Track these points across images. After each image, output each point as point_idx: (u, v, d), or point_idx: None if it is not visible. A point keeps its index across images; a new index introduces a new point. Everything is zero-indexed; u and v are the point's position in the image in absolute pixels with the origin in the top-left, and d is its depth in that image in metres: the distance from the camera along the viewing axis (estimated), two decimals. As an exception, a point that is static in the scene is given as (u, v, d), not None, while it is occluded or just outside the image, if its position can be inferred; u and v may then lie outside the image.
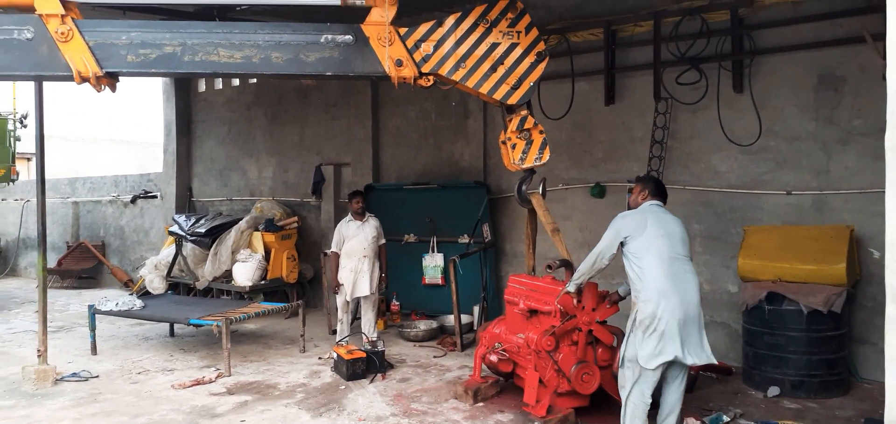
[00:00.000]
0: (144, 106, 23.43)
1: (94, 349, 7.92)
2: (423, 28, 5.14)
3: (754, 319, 6.30)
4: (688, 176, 7.43)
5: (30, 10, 4.73)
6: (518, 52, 5.26)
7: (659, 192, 4.99)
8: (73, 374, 6.94)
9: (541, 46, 5.30)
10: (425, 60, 5.12)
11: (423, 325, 8.60)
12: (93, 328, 7.99)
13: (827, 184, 6.66)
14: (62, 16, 4.73)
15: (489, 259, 8.72)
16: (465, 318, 8.25)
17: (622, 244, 4.72)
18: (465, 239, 8.92)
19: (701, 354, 4.58)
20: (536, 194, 5.64)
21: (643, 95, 7.60)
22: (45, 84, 6.55)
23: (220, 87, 12.16)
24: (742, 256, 6.53)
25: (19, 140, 12.85)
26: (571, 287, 5.11)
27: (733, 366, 6.83)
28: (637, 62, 7.67)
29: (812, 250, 6.20)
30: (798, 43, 6.74)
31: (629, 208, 5.01)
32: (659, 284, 4.51)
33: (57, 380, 6.72)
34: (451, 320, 8.27)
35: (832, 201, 6.61)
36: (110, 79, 4.94)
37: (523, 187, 5.68)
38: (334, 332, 8.43)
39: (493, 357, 5.79)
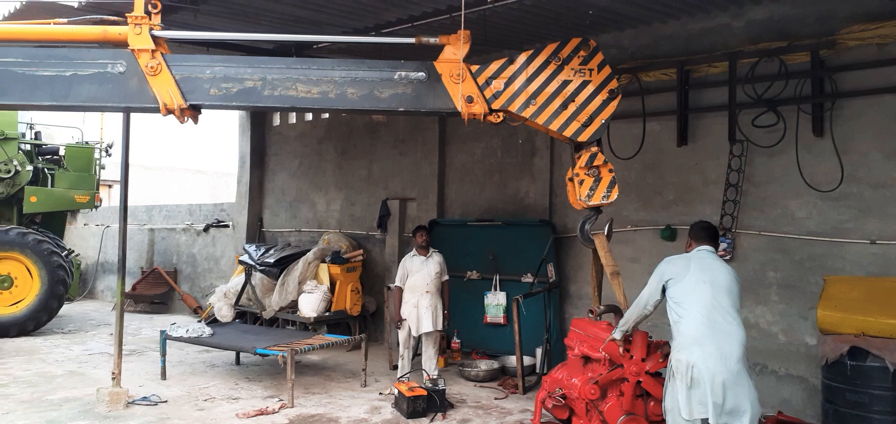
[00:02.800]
0: (219, 138, 24.38)
1: (163, 374, 8.14)
2: (495, 65, 5.17)
3: (835, 374, 5.97)
4: (764, 221, 7.17)
5: (123, 45, 4.97)
6: (590, 89, 5.21)
7: (708, 236, 4.82)
8: (144, 398, 7.13)
9: (613, 84, 5.24)
10: (496, 96, 5.14)
11: (484, 365, 8.51)
12: (163, 354, 8.23)
13: (916, 234, 6.32)
14: (152, 51, 4.95)
15: (553, 300, 8.59)
16: (527, 360, 8.12)
17: (664, 290, 4.58)
18: (528, 278, 8.82)
19: (749, 411, 4.30)
20: (600, 234, 5.48)
21: (717, 137, 7.41)
22: (132, 115, 6.87)
23: (294, 121, 12.52)
24: (822, 307, 6.22)
25: (104, 168, 13.49)
26: (617, 334, 4.95)
27: (811, 423, 6.49)
28: (711, 103, 7.50)
29: (900, 303, 5.86)
30: (883, 86, 6.46)
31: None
32: (695, 331, 4.35)
33: (128, 403, 6.92)
34: (512, 361, 8.16)
35: (921, 253, 6.26)
36: (193, 111, 5.12)
37: (587, 226, 5.54)
38: (395, 367, 8.42)
39: (550, 403, 5.66)
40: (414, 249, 8.01)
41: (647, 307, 4.70)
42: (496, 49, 6.75)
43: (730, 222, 7.29)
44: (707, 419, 4.29)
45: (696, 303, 4.41)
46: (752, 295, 7.21)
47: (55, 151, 13.04)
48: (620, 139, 7.97)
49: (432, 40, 5.10)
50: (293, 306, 10.11)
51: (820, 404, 6.27)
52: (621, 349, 5.05)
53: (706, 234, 4.84)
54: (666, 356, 5.00)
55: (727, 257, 7.30)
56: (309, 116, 12.20)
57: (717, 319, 4.38)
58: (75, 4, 6.57)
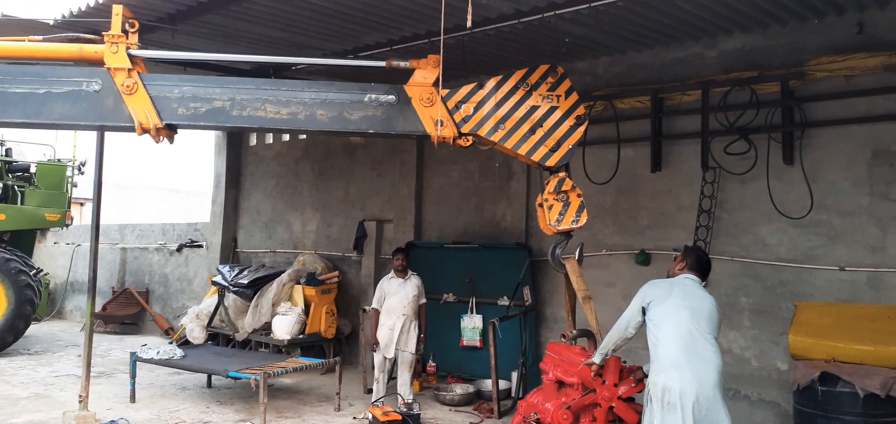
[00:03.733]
0: (194, 157, 24.15)
1: (133, 397, 8.00)
2: (464, 90, 5.21)
3: (806, 400, 6.03)
4: (736, 247, 7.28)
5: (99, 63, 4.93)
6: (557, 115, 5.26)
7: (700, 266, 4.84)
8: (112, 421, 6.97)
9: (580, 110, 5.30)
10: (465, 120, 5.17)
11: (459, 389, 8.48)
12: (133, 376, 8.08)
13: (883, 261, 6.44)
14: (129, 69, 4.91)
15: (529, 324, 8.60)
16: (502, 384, 8.11)
17: (645, 312, 4.61)
18: (504, 301, 8.83)
19: None
20: (571, 259, 5.46)
21: (690, 164, 7.53)
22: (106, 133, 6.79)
23: (271, 141, 12.47)
24: (793, 332, 6.30)
25: (76, 186, 13.29)
26: (597, 358, 4.94)
27: (783, 448, 6.56)
28: (684, 130, 7.63)
29: (868, 329, 5.95)
30: (851, 116, 6.63)
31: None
32: (672, 355, 4.37)
33: (96, 426, 6.78)
34: (488, 384, 8.13)
35: (889, 280, 6.39)
36: (169, 130, 5.08)
37: (557, 251, 5.53)
38: (370, 391, 8.35)
39: None
40: (391, 271, 7.99)
41: (629, 329, 4.71)
42: (474, 74, 6.81)
43: (703, 248, 7.38)
44: None
45: (674, 327, 4.43)
46: (726, 320, 7.23)
47: (26, 169, 12.82)
48: (595, 164, 8.06)
49: (402, 64, 5.14)
50: (267, 328, 9.99)
51: (791, 429, 6.34)
52: (593, 374, 5.04)
53: (699, 264, 4.84)
54: (639, 381, 5.01)
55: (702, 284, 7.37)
56: (286, 137, 12.16)
57: (695, 345, 4.39)
58: (50, 22, 6.52)
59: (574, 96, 5.28)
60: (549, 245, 5.55)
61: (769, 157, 6.99)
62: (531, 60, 5.40)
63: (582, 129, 5.29)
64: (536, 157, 5.25)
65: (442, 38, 5.09)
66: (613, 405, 5.01)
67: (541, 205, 5.35)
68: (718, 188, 7.34)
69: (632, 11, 6.46)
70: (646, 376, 4.94)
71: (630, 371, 5.09)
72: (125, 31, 5.02)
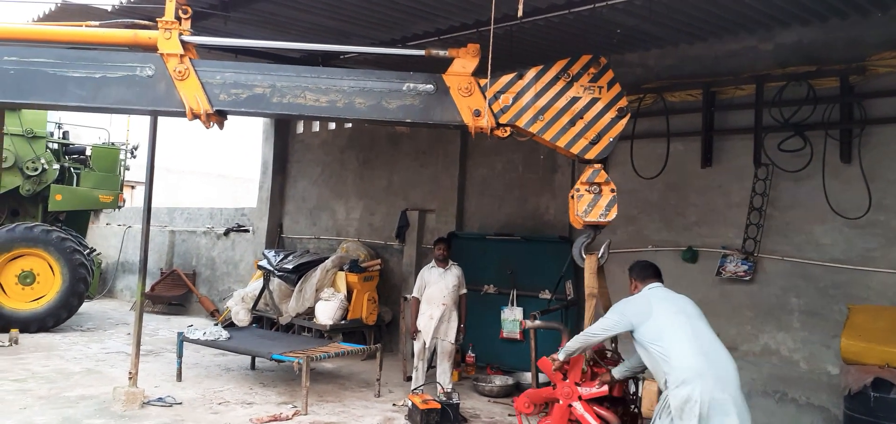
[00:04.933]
0: (242, 143, 24.54)
1: (179, 376, 8.19)
2: (504, 80, 5.14)
3: (858, 405, 5.85)
4: (787, 247, 7.08)
5: (152, 49, 5.03)
6: (599, 107, 5.12)
7: (655, 273, 4.76)
8: (159, 399, 7.17)
9: (623, 102, 5.16)
10: (503, 111, 5.10)
11: (498, 380, 8.46)
12: (180, 355, 8.27)
13: (944, 265, 6.20)
14: (181, 56, 5.00)
15: (570, 318, 8.52)
16: (542, 378, 8.03)
17: (633, 335, 4.46)
18: (546, 295, 8.77)
19: None
20: (593, 255, 5.23)
21: (742, 160, 7.34)
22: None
23: (317, 129, 12.61)
24: (845, 336, 6.11)
25: (129, 169, 13.67)
26: (561, 356, 4.80)
27: (833, 454, 6.39)
28: (737, 125, 7.44)
29: (926, 335, 5.75)
30: (915, 113, 6.39)
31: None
32: (689, 362, 4.15)
33: (144, 403, 6.96)
34: (527, 377, 8.06)
35: (950, 285, 6.14)
36: (219, 116, 5.15)
37: (585, 244, 5.29)
38: (409, 379, 8.40)
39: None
40: (433, 260, 8.00)
41: (602, 340, 4.64)
42: (522, 66, 6.75)
43: (752, 246, 7.21)
44: None
45: (678, 335, 4.27)
46: (774, 321, 7.12)
47: (82, 151, 13.25)
48: (644, 159, 7.93)
49: (442, 53, 5.10)
50: (310, 313, 10.13)
51: (841, 435, 6.16)
52: (554, 368, 4.91)
53: (653, 271, 4.78)
54: (604, 385, 4.79)
55: (746, 279, 7.22)
56: (332, 125, 12.28)
57: (707, 348, 4.25)
58: (108, 8, 6.68)
59: (617, 88, 5.15)
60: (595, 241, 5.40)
61: (825, 154, 6.77)
62: (581, 51, 5.29)
63: (624, 122, 5.15)
64: (576, 149, 5.14)
65: (492, 27, 5.04)
66: (571, 403, 4.84)
67: (572, 196, 5.24)
68: (770, 186, 7.15)
69: (686, 2, 6.31)
70: (614, 382, 4.79)
71: (594, 374, 4.89)
72: (178, 18, 5.09)
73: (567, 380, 4.90)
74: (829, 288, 6.80)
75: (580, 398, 4.83)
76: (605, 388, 4.77)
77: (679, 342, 4.26)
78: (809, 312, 6.92)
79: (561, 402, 4.90)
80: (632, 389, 5.14)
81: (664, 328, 4.33)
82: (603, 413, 4.76)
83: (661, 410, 4.29)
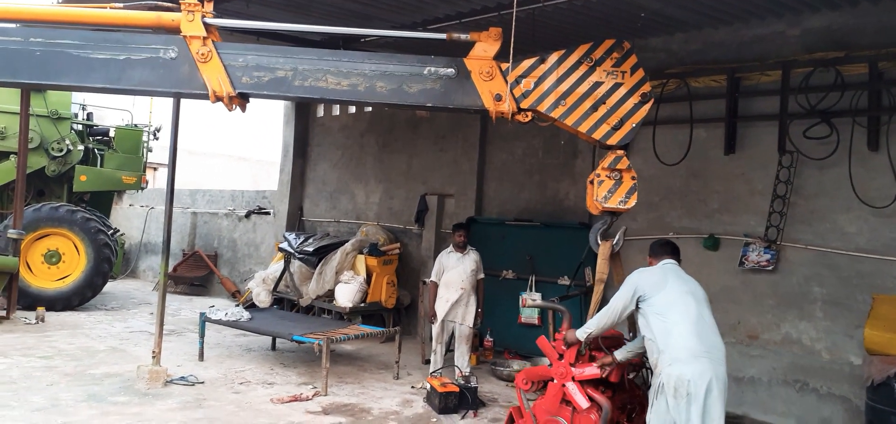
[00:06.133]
0: (262, 126, 24.66)
1: (201, 356, 8.30)
2: (526, 64, 5.10)
3: (881, 397, 5.78)
4: (811, 235, 6.99)
5: (176, 31, 5.06)
6: (621, 92, 5.07)
7: (673, 251, 4.81)
8: (182, 378, 7.27)
9: (646, 88, 5.10)
10: (525, 95, 5.06)
11: (516, 365, 8.46)
12: (202, 335, 8.37)
13: (972, 256, 6.09)
14: (204, 38, 5.02)
15: (588, 305, 8.47)
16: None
17: (639, 304, 4.48)
18: (564, 281, 8.75)
19: None
20: (608, 241, 5.20)
21: (766, 147, 7.24)
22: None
23: (337, 113, 12.64)
24: (869, 326, 6.04)
25: (151, 151, 13.81)
26: (582, 335, 4.73)
27: (854, 445, 6.33)
28: (761, 112, 7.34)
29: (951, 326, 5.66)
30: (945, 102, 6.26)
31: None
32: (688, 343, 4.25)
33: (167, 382, 7.06)
34: (544, 362, 8.09)
35: (978, 276, 6.04)
36: (241, 99, 5.18)
37: (601, 230, 5.25)
38: (427, 362, 8.44)
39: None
40: (451, 245, 8.01)
41: (618, 319, 4.63)
42: (544, 49, 6.70)
43: (775, 234, 7.13)
44: None
45: (685, 315, 4.34)
46: (796, 310, 7.04)
47: (105, 133, 13.39)
48: (666, 145, 7.85)
49: (463, 37, 5.06)
50: (330, 295, 10.20)
51: (863, 426, 6.10)
52: (552, 347, 4.93)
53: (671, 249, 4.83)
54: (606, 366, 4.76)
55: (769, 269, 7.15)
56: (352, 109, 12.30)
57: (706, 332, 4.33)
58: (131, -11, 6.71)
59: (640, 73, 5.08)
60: (614, 227, 5.35)
61: (852, 142, 6.66)
62: (604, 35, 5.22)
63: (647, 107, 5.10)
64: (598, 135, 5.10)
65: (514, 10, 5.00)
66: (566, 384, 4.81)
67: (591, 182, 5.20)
68: (795, 173, 7.05)
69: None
70: (614, 364, 4.76)
71: (595, 358, 4.85)
72: (201, 0, 5.13)
73: (563, 360, 4.90)
74: (852, 278, 6.71)
75: (573, 378, 4.82)
76: (598, 370, 4.74)
77: (683, 321, 4.34)
78: (832, 301, 6.84)
79: (555, 381, 4.91)
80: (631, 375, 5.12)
81: (673, 303, 4.40)
82: (595, 395, 4.74)
83: (657, 391, 4.36)
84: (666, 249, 4.86)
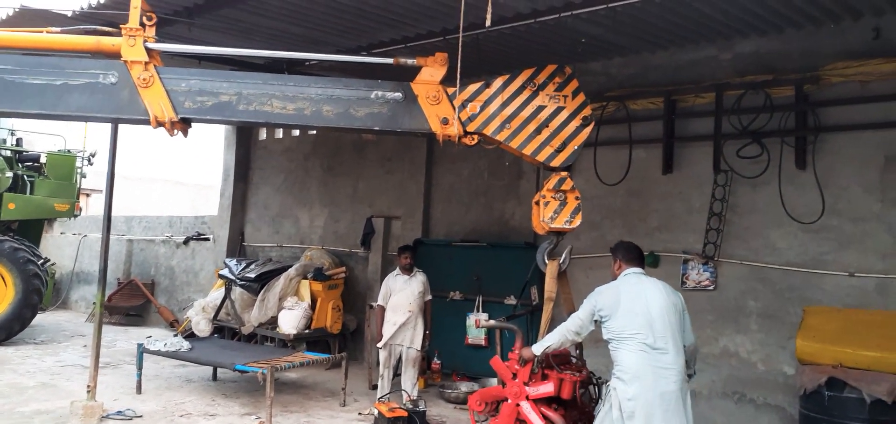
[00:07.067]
0: (200, 150, 24.13)
1: (139, 388, 8.03)
2: (472, 88, 5.20)
3: (813, 405, 6.04)
4: (745, 251, 7.28)
5: (116, 55, 4.94)
6: (564, 115, 5.22)
7: (637, 257, 4.82)
8: (119, 412, 7.02)
9: (587, 111, 5.27)
10: (471, 119, 5.15)
11: (464, 387, 8.47)
12: (140, 367, 8.11)
13: (892, 268, 6.44)
14: (145, 63, 4.92)
15: (536, 323, 8.58)
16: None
17: (599, 321, 4.59)
18: (511, 300, 8.84)
19: None
20: (555, 261, 5.35)
21: (702, 166, 7.52)
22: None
23: (281, 136, 12.50)
24: (801, 337, 6.31)
25: (85, 177, 13.33)
26: (538, 350, 4.79)
27: (790, 453, 6.57)
28: (697, 133, 7.63)
29: (876, 335, 5.96)
30: (865, 122, 6.63)
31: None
32: (632, 365, 4.36)
33: (103, 417, 6.80)
34: (493, 383, 8.14)
35: (898, 287, 6.39)
36: (183, 124, 5.09)
37: (548, 250, 5.38)
38: (375, 387, 8.36)
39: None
40: (397, 268, 8.00)
41: (578, 336, 4.69)
42: (488, 74, 6.83)
43: (712, 251, 7.39)
44: None
45: (630, 337, 4.41)
46: (733, 324, 7.30)
47: (36, 159, 12.87)
48: (606, 165, 8.06)
49: (410, 61, 5.13)
50: (273, 322, 10.01)
51: (798, 434, 6.34)
52: (520, 364, 4.96)
53: (635, 254, 4.83)
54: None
55: (711, 288, 7.39)
56: (296, 132, 12.17)
57: (652, 351, 4.36)
58: (68, 14, 6.53)
59: (581, 97, 5.25)
60: (559, 247, 5.47)
61: (782, 161, 6.99)
62: (546, 59, 5.38)
63: (588, 130, 5.26)
64: (541, 157, 5.22)
65: (460, 36, 5.08)
66: (520, 403, 4.88)
67: (537, 202, 5.32)
68: (730, 192, 7.34)
69: (648, 12, 6.45)
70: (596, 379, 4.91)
71: (547, 375, 4.92)
72: (143, 25, 5.02)
73: (517, 379, 4.93)
74: (784, 291, 7.01)
75: (527, 397, 4.87)
76: (552, 388, 4.81)
77: (629, 343, 4.39)
78: (766, 314, 7.11)
79: (509, 401, 4.94)
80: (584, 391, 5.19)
81: (623, 327, 4.44)
82: (549, 414, 4.80)
83: (605, 398, 4.51)
84: (628, 255, 4.83)
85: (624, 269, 4.77)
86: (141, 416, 7.02)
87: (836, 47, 6.74)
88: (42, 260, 11.64)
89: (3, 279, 10.80)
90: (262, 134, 12.79)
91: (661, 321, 4.43)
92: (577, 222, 5.17)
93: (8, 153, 12.34)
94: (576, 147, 5.22)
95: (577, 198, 5.19)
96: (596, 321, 4.59)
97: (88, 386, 6.86)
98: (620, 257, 4.84)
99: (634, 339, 4.39)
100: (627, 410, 4.30)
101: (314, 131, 11.77)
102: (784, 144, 6.99)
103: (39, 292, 11.10)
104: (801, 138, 6.94)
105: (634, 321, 4.42)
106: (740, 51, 7.38)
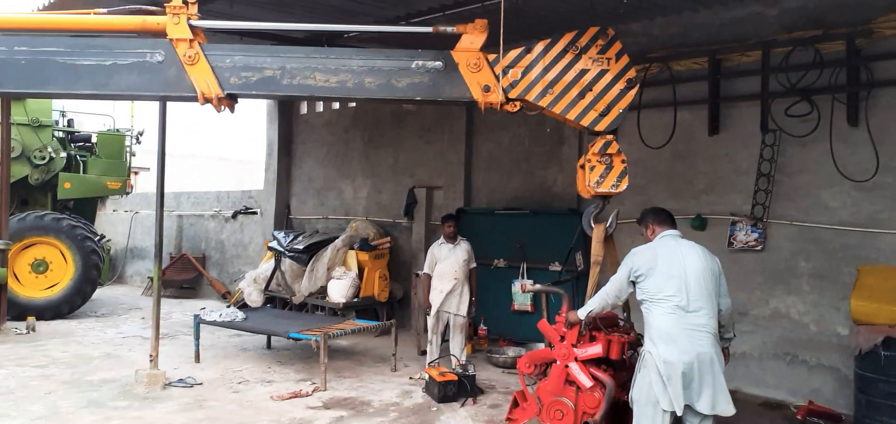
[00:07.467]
0: (243, 126, 24.49)
1: (197, 357, 8.30)
2: (512, 54, 5.15)
3: (868, 365, 5.95)
4: (795, 211, 7.13)
5: (162, 34, 5.04)
6: (608, 78, 5.14)
7: (670, 220, 4.79)
8: (180, 380, 7.29)
9: (631, 73, 5.18)
10: (513, 85, 5.12)
11: (512, 351, 8.56)
12: (197, 337, 8.38)
13: (952, 224, 6.25)
14: (190, 40, 5.02)
15: (581, 289, 8.58)
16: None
17: (634, 283, 4.57)
18: (556, 267, 8.84)
19: (722, 404, 4.35)
20: (601, 224, 5.30)
21: (749, 127, 7.36)
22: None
23: (321, 110, 12.63)
24: (855, 297, 6.19)
25: (134, 155, 13.71)
26: (582, 314, 4.81)
27: (843, 413, 6.49)
28: (743, 92, 7.45)
29: (935, 294, 5.82)
30: (921, 75, 6.40)
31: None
32: (667, 327, 4.35)
33: (165, 385, 7.07)
34: (541, 347, 8.19)
35: (958, 243, 6.20)
36: (230, 100, 5.19)
37: (594, 214, 5.35)
38: (423, 353, 8.51)
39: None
40: (442, 237, 8.07)
41: (618, 299, 4.69)
42: (527, 39, 6.76)
43: (761, 212, 7.26)
44: (683, 410, 4.32)
45: (665, 298, 4.39)
46: (783, 285, 7.18)
47: (87, 139, 13.29)
48: (651, 128, 7.95)
49: (449, 29, 5.10)
50: (322, 291, 10.23)
51: (852, 394, 6.26)
52: (567, 327, 4.96)
53: (665, 216, 4.80)
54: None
55: (758, 249, 7.27)
56: (336, 105, 12.29)
57: (687, 314, 4.35)
58: (115, -6, 6.67)
59: (625, 59, 5.16)
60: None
61: (833, 118, 6.79)
62: (587, 22, 5.30)
63: (633, 92, 5.18)
64: (585, 121, 5.17)
65: (502, 0, 5.04)
66: (569, 365, 4.90)
67: (582, 166, 5.28)
68: (778, 151, 7.18)
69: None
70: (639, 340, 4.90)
71: (595, 337, 4.91)
72: (186, 3, 5.09)
73: (565, 341, 4.98)
74: (837, 251, 6.86)
75: (576, 358, 4.90)
76: (600, 349, 4.82)
77: (664, 305, 4.39)
78: (819, 275, 6.98)
79: (558, 363, 4.98)
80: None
81: (658, 288, 4.44)
82: (598, 374, 4.83)
83: (640, 364, 4.51)
84: (659, 217, 4.82)
85: (658, 232, 4.75)
86: (201, 383, 7.28)
87: (890, -2, 6.49)
88: (98, 237, 12.07)
89: (63, 255, 11.26)
90: (303, 108, 12.94)
91: (697, 284, 4.41)
92: (624, 185, 5.14)
93: (61, 134, 12.77)
94: (621, 110, 5.15)
95: (623, 161, 5.14)
96: (632, 281, 4.58)
97: (151, 355, 7.14)
98: (651, 221, 4.84)
99: (669, 301, 4.38)
100: (665, 373, 4.31)
101: (354, 104, 11.87)
102: (835, 101, 6.78)
103: (98, 267, 11.54)
104: (852, 94, 6.72)
105: (670, 282, 4.41)
106: (787, 6, 7.15)
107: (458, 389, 6.78)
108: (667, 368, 4.30)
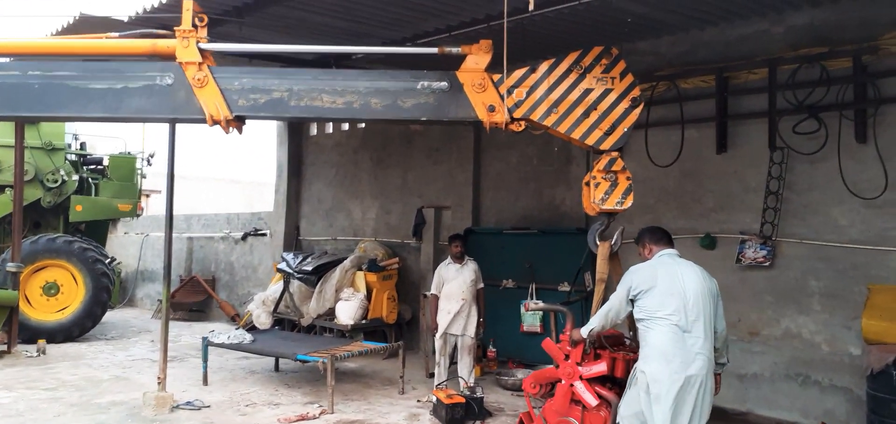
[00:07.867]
0: (253, 148, 24.70)
1: (205, 380, 8.31)
2: (517, 74, 5.18)
3: (881, 385, 5.86)
4: (805, 229, 7.08)
5: (171, 57, 5.11)
6: (612, 97, 5.16)
7: (667, 238, 4.79)
8: (188, 403, 7.29)
9: (636, 92, 5.20)
10: (518, 105, 5.14)
11: (520, 374, 8.48)
12: (205, 360, 8.39)
13: (964, 242, 6.19)
14: (199, 63, 5.08)
15: (590, 309, 8.54)
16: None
17: (633, 299, 4.54)
18: (565, 287, 8.80)
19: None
20: (606, 242, 5.27)
21: (757, 144, 7.34)
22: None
23: (330, 131, 12.71)
24: (866, 316, 6.12)
25: (145, 178, 13.83)
26: (585, 332, 4.78)
27: (857, 434, 6.40)
28: (751, 110, 7.44)
29: (947, 312, 5.75)
30: (929, 92, 6.37)
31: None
32: (662, 346, 4.32)
33: (173, 407, 7.07)
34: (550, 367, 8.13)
35: (970, 261, 6.13)
36: (238, 122, 5.24)
37: (599, 231, 5.31)
38: (431, 375, 8.47)
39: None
40: (449, 257, 8.06)
41: (618, 317, 4.66)
42: (533, 59, 6.81)
43: (770, 230, 7.21)
44: None
45: (665, 317, 4.36)
46: (794, 305, 7.12)
47: (99, 162, 13.42)
48: (658, 146, 7.95)
49: (454, 50, 5.15)
50: (330, 313, 10.22)
51: (865, 415, 6.16)
52: (571, 346, 4.93)
53: (663, 235, 4.80)
54: (624, 357, 4.85)
55: (766, 265, 7.22)
56: (345, 126, 12.37)
57: (684, 334, 4.33)
58: (125, 19, 6.78)
59: (629, 78, 5.18)
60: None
61: (841, 135, 6.76)
62: (592, 41, 5.32)
63: (638, 111, 5.19)
64: (591, 140, 5.18)
65: (505, 21, 5.08)
66: (574, 383, 4.87)
67: (587, 183, 5.28)
68: (787, 169, 7.15)
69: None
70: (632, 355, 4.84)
71: (600, 355, 4.89)
72: (195, 26, 5.17)
73: (569, 360, 4.94)
74: (848, 269, 6.80)
75: (581, 377, 4.87)
76: (605, 367, 4.79)
77: (662, 324, 4.36)
78: (829, 294, 6.92)
79: (563, 382, 4.96)
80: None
81: (656, 307, 4.41)
82: (603, 392, 4.79)
83: (631, 380, 4.50)
84: (656, 236, 4.82)
85: (655, 251, 4.74)
86: (209, 406, 7.28)
87: (894, 15, 6.47)
88: (109, 259, 12.15)
89: (74, 278, 11.33)
90: (313, 130, 13.03)
91: (696, 304, 4.39)
92: (629, 202, 5.13)
93: (73, 157, 12.90)
94: (625, 129, 5.16)
95: (628, 178, 5.14)
96: (631, 299, 4.56)
97: (159, 378, 7.15)
98: (648, 240, 4.83)
99: (668, 320, 4.36)
100: (654, 392, 4.28)
101: (363, 125, 11.94)
102: (843, 118, 6.76)
103: (108, 290, 11.60)
104: (860, 111, 6.69)
105: (669, 301, 4.39)
106: (793, 23, 7.15)
107: (466, 411, 6.73)
108: (656, 387, 4.28)
